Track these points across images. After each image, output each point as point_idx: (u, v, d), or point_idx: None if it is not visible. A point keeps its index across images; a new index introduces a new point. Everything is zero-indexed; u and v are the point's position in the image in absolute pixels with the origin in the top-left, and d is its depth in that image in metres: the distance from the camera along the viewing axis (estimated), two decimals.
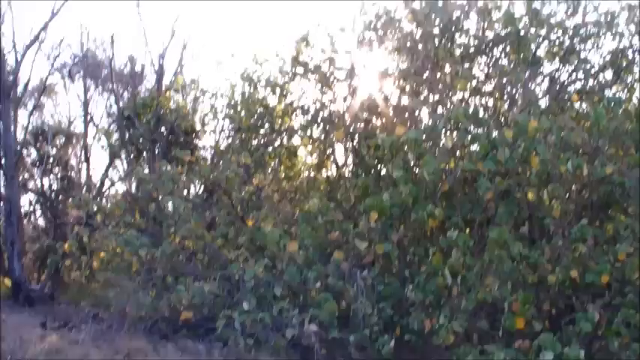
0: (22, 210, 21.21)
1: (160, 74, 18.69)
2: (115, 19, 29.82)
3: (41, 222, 24.03)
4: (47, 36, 20.64)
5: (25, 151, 22.30)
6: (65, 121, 25.29)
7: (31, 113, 22.99)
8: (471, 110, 10.22)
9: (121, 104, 20.09)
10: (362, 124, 12.23)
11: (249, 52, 14.07)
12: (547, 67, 12.24)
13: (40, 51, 20.53)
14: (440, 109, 11.53)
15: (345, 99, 12.56)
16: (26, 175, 23.13)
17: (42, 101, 24.33)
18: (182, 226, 11.46)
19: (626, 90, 12.35)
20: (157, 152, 16.93)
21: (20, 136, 21.40)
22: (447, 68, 11.87)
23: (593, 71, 12.23)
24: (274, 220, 11.42)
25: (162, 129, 16.95)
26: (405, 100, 12.10)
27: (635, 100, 12.14)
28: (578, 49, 12.07)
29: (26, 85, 20.98)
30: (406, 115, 11.91)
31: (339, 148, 13.01)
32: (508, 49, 11.98)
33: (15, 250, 18.19)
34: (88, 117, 23.79)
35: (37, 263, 22.26)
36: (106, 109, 23.56)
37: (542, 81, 12.36)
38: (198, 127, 16.45)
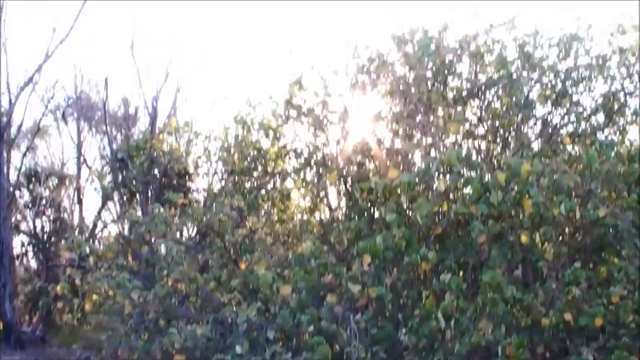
0: (14, 252, 21.20)
1: (153, 116, 18.81)
2: (109, 61, 29.92)
3: (33, 264, 24.04)
4: (41, 77, 20.62)
5: (17, 193, 22.34)
6: (58, 162, 25.43)
7: (24, 155, 23.07)
8: (463, 153, 10.21)
9: (114, 146, 20.15)
10: (355, 167, 12.25)
11: (242, 95, 14.17)
12: (539, 110, 12.28)
13: (33, 92, 20.62)
14: (433, 153, 11.53)
15: (338, 142, 12.60)
16: (19, 217, 23.15)
17: (35, 143, 24.40)
18: (175, 269, 11.41)
19: (618, 133, 12.40)
20: (150, 195, 16.96)
21: (13, 177, 21.42)
22: (440, 111, 11.91)
23: (585, 114, 12.27)
24: (267, 263, 11.38)
25: (156, 171, 16.99)
26: (398, 144, 12.12)
27: (627, 143, 12.17)
28: (570, 92, 12.11)
29: (20, 126, 21.06)
30: (399, 158, 11.91)
31: (332, 191, 13.03)
32: (500, 92, 12.02)
33: (6, 292, 18.14)
34: (81, 159, 23.91)
35: (29, 305, 22.22)
36: (99, 151, 23.72)
37: (535, 124, 12.39)
38: (191, 169, 16.50)
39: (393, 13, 13.10)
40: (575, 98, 12.21)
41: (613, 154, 10.39)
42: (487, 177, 9.91)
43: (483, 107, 12.26)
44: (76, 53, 27.03)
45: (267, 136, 13.71)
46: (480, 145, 12.30)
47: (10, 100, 19.50)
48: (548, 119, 12.30)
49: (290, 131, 13.51)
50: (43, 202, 22.76)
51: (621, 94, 12.25)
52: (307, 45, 15.11)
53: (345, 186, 12.45)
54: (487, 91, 12.19)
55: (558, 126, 12.31)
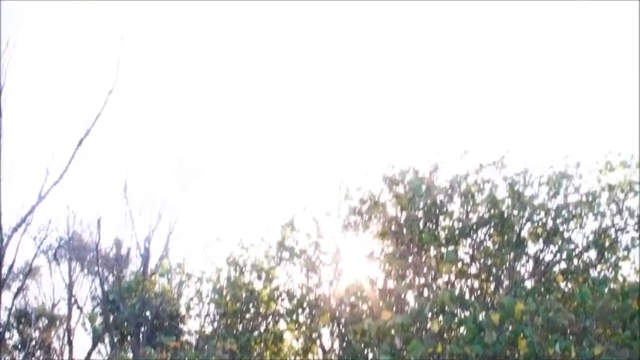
0: None
1: (145, 258, 18.81)
2: (102, 202, 30.13)
3: None
4: (34, 218, 20.70)
5: (7, 334, 22.17)
6: (49, 303, 25.27)
7: (15, 296, 22.95)
8: (456, 293, 10.20)
9: (105, 287, 20.09)
10: (348, 309, 12.20)
11: (234, 237, 14.23)
12: (531, 248, 12.32)
13: (26, 233, 20.66)
14: (426, 293, 11.53)
15: (330, 283, 12.60)
16: (7, 359, 22.88)
17: (26, 283, 24.34)
18: None
19: (610, 269, 12.40)
20: (141, 337, 16.82)
21: (3, 318, 21.30)
22: (432, 251, 11.96)
23: (577, 251, 12.29)
24: None
25: (147, 313, 16.88)
26: (391, 284, 12.12)
27: (620, 279, 12.15)
28: (561, 229, 12.17)
29: (11, 267, 21.00)
30: (392, 299, 11.89)
31: (325, 333, 12.95)
32: (492, 231, 12.11)
33: None
34: (73, 300, 23.80)
35: None
36: (90, 291, 23.65)
37: (527, 262, 12.40)
38: (183, 311, 16.40)
39: (383, 154, 13.28)
40: (566, 235, 12.25)
41: (606, 290, 10.41)
42: (481, 317, 9.86)
43: (475, 246, 12.30)
44: (68, 194, 27.25)
45: (259, 277, 13.70)
46: (472, 285, 12.30)
47: (2, 241, 19.50)
48: (541, 257, 12.33)
49: (282, 273, 13.54)
50: (33, 343, 22.55)
51: (612, 231, 12.30)
52: (299, 187, 15.29)
53: (339, 327, 12.38)
54: (479, 231, 12.26)
55: (551, 263, 12.32)
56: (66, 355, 23.73)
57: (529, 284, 12.05)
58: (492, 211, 11.91)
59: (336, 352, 12.84)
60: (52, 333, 24.02)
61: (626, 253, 12.19)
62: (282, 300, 13.58)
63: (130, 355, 15.98)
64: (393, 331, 10.01)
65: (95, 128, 19.99)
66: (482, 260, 12.17)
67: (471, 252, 12.32)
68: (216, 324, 14.96)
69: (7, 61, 19.24)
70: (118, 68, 20.10)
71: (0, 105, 19.59)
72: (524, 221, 12.13)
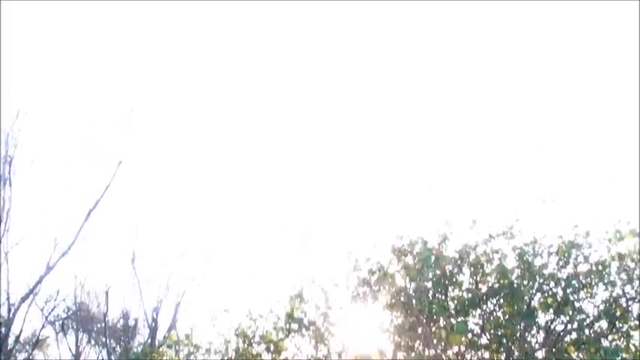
0: None
1: (153, 329, 18.70)
2: (110, 272, 30.03)
3: None
4: (41, 288, 20.64)
5: None
6: None
7: None
8: None
9: (113, 358, 19.97)
10: None
11: (243, 308, 14.18)
12: (542, 318, 12.23)
13: (33, 303, 20.59)
14: None
15: (339, 354, 12.52)
16: None
17: (33, 354, 24.23)
18: None
19: (622, 339, 12.29)
20: None
21: None
22: (442, 322, 11.89)
23: (588, 321, 12.20)
24: None
25: None
26: (401, 356, 12.04)
27: (632, 348, 12.04)
28: (571, 299, 12.09)
29: (18, 337, 20.90)
30: None
31: None
32: (502, 301, 12.04)
33: None
34: None
35: None
36: None
37: (538, 332, 12.31)
38: None
39: (392, 225, 13.28)
40: (577, 305, 12.16)
41: None
42: None
43: (485, 317, 12.23)
44: (77, 265, 27.21)
45: (268, 349, 13.64)
46: (483, 356, 12.20)
47: (10, 311, 19.43)
48: (551, 327, 12.23)
49: (291, 344, 13.48)
50: None
51: (623, 300, 12.20)
52: (308, 258, 15.28)
53: None
54: (488, 301, 12.20)
55: (562, 334, 12.22)
56: None
57: (540, 355, 11.96)
58: (502, 282, 11.87)
59: None
60: None
61: (637, 322, 12.09)
62: None
63: None
64: None
65: (104, 199, 20.03)
66: (492, 331, 12.09)
67: (481, 323, 12.25)
68: None
69: (16, 133, 19.38)
70: (128, 139, 20.20)
71: (9, 176, 19.68)
72: (534, 291, 12.07)
